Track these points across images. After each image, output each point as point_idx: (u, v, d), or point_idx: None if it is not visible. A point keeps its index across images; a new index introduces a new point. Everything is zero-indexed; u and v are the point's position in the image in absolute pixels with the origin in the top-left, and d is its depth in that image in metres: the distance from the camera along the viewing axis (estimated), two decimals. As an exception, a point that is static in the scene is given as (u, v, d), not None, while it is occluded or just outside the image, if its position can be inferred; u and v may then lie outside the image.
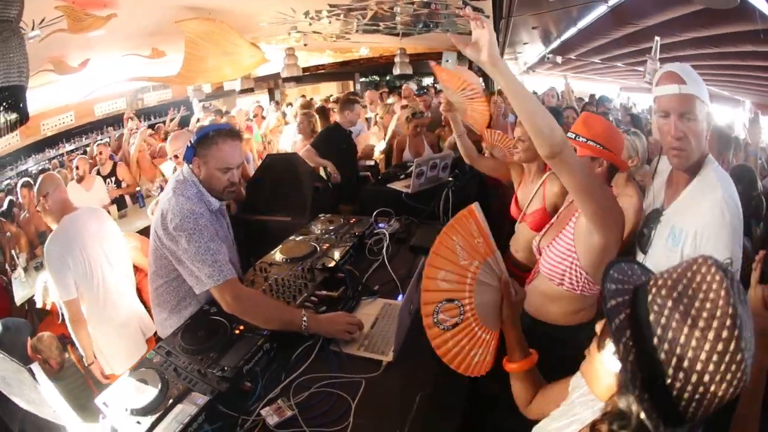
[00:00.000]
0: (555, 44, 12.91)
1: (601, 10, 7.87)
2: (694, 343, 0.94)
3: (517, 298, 1.85)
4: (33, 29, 4.78)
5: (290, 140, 7.42)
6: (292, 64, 9.92)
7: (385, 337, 2.42)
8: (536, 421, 1.59)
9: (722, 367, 0.92)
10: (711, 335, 0.92)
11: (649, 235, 2.41)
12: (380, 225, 3.80)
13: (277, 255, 3.22)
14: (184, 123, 10.86)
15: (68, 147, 9.97)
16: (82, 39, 5.26)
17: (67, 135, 10.30)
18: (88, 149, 9.74)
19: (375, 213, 3.94)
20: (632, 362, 1.00)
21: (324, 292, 2.75)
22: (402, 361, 2.26)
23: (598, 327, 1.20)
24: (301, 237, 3.55)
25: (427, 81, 18.24)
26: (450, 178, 5.11)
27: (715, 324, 0.92)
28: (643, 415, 0.99)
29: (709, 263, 1.00)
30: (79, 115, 10.74)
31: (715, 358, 0.92)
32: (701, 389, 0.94)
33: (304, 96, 14.13)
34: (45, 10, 4.42)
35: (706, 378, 0.93)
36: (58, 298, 3.55)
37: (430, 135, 6.75)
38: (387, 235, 3.52)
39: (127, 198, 6.89)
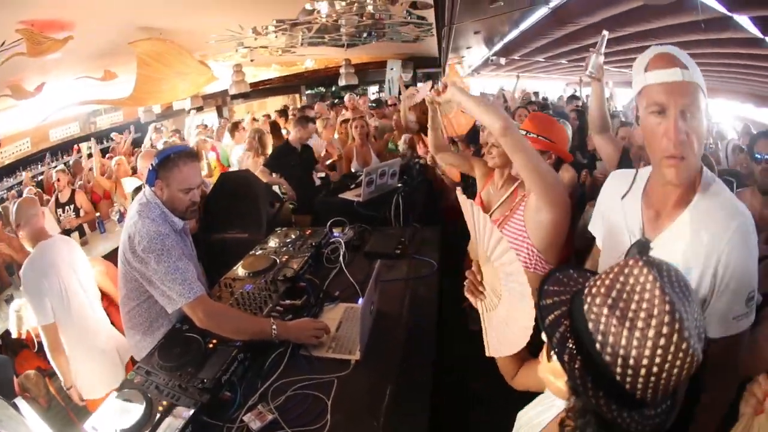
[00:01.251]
0: (498, 46, 13.24)
1: (542, 11, 8.17)
2: (635, 342, 0.98)
3: None
4: None
5: (240, 157, 7.48)
6: (240, 81, 9.97)
7: (351, 338, 2.58)
8: (515, 412, 1.62)
9: (669, 357, 0.96)
10: (651, 333, 0.96)
11: None
12: (335, 234, 3.94)
13: (240, 270, 3.32)
14: (135, 144, 10.78)
15: (24, 175, 9.86)
16: (38, 62, 5.26)
17: (24, 162, 10.18)
18: (44, 176, 9.63)
19: (329, 223, 4.06)
20: (579, 369, 1.06)
21: (288, 302, 2.87)
22: (369, 358, 2.42)
23: (545, 336, 1.19)
24: (260, 251, 3.67)
25: (372, 89, 18.39)
26: (399, 185, 5.27)
27: (653, 323, 0.96)
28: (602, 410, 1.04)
29: (641, 264, 1.04)
30: (35, 141, 10.60)
31: (659, 352, 0.96)
32: (653, 378, 0.98)
33: (249, 113, 14.18)
34: (4, 33, 4.46)
35: (655, 369, 0.97)
36: (36, 323, 3.56)
37: (377, 144, 6.94)
38: (342, 244, 3.67)
39: (85, 225, 6.83)
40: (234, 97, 11.96)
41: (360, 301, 2.94)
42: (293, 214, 5.86)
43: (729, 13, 6.28)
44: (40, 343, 3.86)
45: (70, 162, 9.72)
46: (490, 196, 3.38)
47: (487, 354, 1.80)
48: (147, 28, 5.94)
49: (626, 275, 1.04)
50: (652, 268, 1.01)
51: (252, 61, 10.26)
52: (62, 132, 11.35)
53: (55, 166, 9.63)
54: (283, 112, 12.19)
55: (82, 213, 7.09)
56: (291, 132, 6.48)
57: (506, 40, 11.86)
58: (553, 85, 24.62)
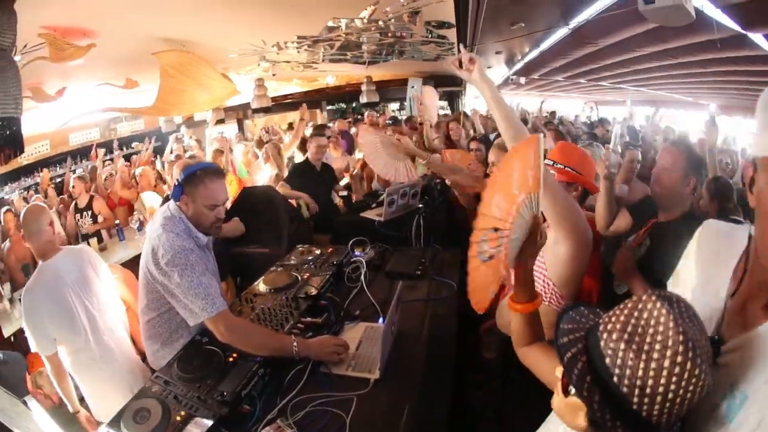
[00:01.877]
0: (518, 66, 13.20)
1: (562, 32, 8.14)
2: (652, 373, 1.02)
3: (542, 241, 1.82)
4: (15, 54, 4.89)
5: (266, 175, 7.51)
6: (262, 95, 9.95)
7: (370, 356, 2.60)
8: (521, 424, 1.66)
9: (683, 383, 1.00)
10: (667, 363, 1.01)
11: None
12: (357, 253, 3.97)
13: (261, 286, 3.34)
14: (156, 154, 10.92)
15: (43, 173, 9.95)
16: (59, 67, 5.34)
17: (43, 164, 10.29)
18: (64, 179, 9.71)
19: (351, 242, 4.10)
20: (598, 402, 1.10)
21: (309, 319, 2.91)
22: (388, 377, 2.44)
23: (559, 372, 1.28)
24: (281, 268, 3.69)
25: (393, 106, 18.45)
26: (420, 205, 5.27)
27: (668, 353, 1.01)
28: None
29: (654, 299, 1.09)
30: (54, 144, 10.73)
31: (674, 379, 1.01)
32: (668, 404, 1.03)
33: (290, 125, 14.25)
34: (27, 36, 4.51)
35: (670, 395, 1.02)
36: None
37: None
38: (364, 263, 3.71)
39: (104, 232, 6.91)
40: (255, 111, 12.00)
41: (381, 320, 2.99)
42: (314, 233, 5.88)
43: (743, 32, 6.29)
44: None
45: (89, 168, 9.83)
46: None
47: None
48: (169, 40, 6.06)
49: (640, 310, 1.08)
50: (665, 302, 1.06)
51: (274, 75, 10.34)
52: (82, 137, 11.46)
53: (74, 171, 9.80)
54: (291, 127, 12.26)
55: (100, 219, 7.19)
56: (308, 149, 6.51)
57: (526, 59, 11.87)
58: (572, 104, 24.63)
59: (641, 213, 3.26)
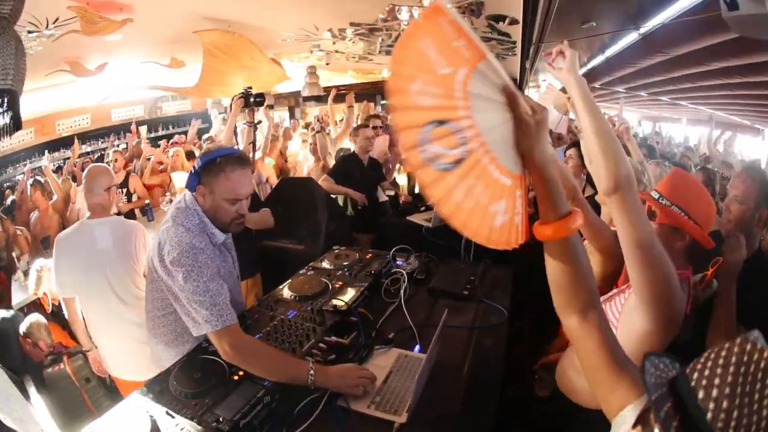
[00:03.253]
0: (581, 72, 12.82)
1: (632, 37, 7.79)
2: (755, 419, 0.94)
3: (536, 117, 1.31)
4: (47, 27, 4.76)
5: (309, 165, 7.41)
6: (314, 83, 9.94)
7: (399, 393, 2.26)
8: None
9: None
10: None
11: None
12: (398, 262, 3.68)
13: (285, 291, 3.11)
14: (201, 135, 10.97)
15: (84, 149, 10.06)
16: (99, 42, 5.31)
17: (82, 137, 10.44)
18: (105, 153, 9.84)
19: (393, 250, 3.80)
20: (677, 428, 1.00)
21: (334, 339, 2.62)
22: (416, 422, 2.10)
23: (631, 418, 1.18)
24: (312, 272, 3.45)
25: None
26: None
27: None
28: None
29: (758, 344, 0.99)
30: (95, 119, 11.03)
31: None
32: None
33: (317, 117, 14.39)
34: (58, 9, 4.45)
35: None
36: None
37: None
38: (405, 275, 3.39)
39: (137, 211, 6.94)
40: (306, 99, 11.93)
41: (417, 348, 2.66)
42: (354, 232, 5.68)
43: None
44: (53, 307, 4.23)
45: (133, 144, 9.98)
46: None
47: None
48: (214, 19, 5.92)
49: (749, 356, 0.99)
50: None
51: (327, 65, 10.20)
52: (125, 113, 11.79)
53: (117, 146, 9.88)
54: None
55: (134, 198, 7.18)
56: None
57: (591, 65, 11.41)
58: (628, 118, 24.46)
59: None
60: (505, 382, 2.64)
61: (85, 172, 3.75)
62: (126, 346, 3.68)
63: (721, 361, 1.00)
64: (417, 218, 5.16)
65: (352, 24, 7.32)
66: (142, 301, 3.41)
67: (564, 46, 1.95)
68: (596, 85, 14.34)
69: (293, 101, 15.53)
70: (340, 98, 16.37)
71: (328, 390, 2.24)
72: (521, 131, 1.30)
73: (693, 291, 2.30)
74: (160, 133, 12.25)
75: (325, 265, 3.56)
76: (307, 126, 8.95)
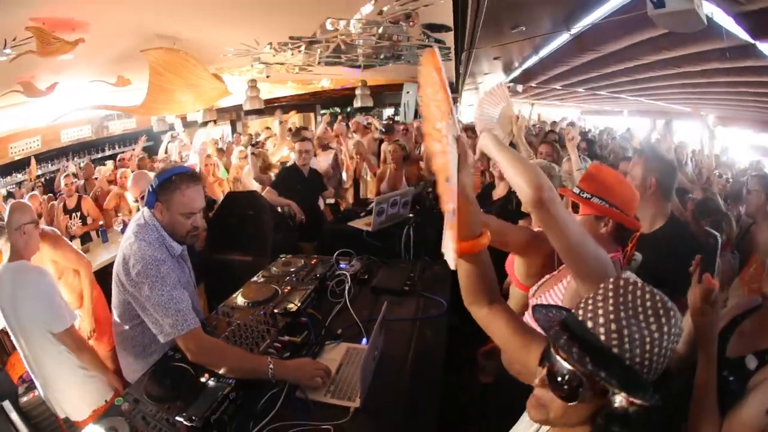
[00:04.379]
0: (516, 73, 13.29)
1: (563, 38, 8.12)
2: (632, 322, 1.18)
3: (470, 161, 1.67)
4: (5, 47, 4.82)
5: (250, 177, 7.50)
6: (254, 97, 10.02)
7: (351, 382, 2.48)
8: None
9: (665, 329, 1.17)
10: (651, 316, 1.18)
11: None
12: (342, 266, 3.89)
13: (239, 299, 3.26)
14: (148, 152, 10.90)
15: (32, 163, 9.96)
16: (51, 62, 5.30)
17: (35, 159, 10.28)
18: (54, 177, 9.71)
19: (336, 253, 4.01)
20: (577, 351, 1.20)
21: (287, 338, 2.80)
22: (369, 406, 2.32)
23: (539, 376, 1.33)
24: (262, 279, 3.61)
25: (388, 112, 18.55)
26: (411, 215, 5.19)
27: (648, 305, 1.19)
28: (631, 400, 1.17)
29: (623, 281, 1.26)
30: (46, 140, 10.77)
31: (654, 326, 1.17)
32: (648, 353, 1.17)
33: (268, 128, 14.29)
34: (15, 29, 4.48)
35: (656, 350, 1.17)
36: None
37: (410, 169, 6.95)
38: (348, 277, 3.61)
39: (93, 232, 6.85)
40: (248, 113, 11.97)
41: (364, 341, 2.88)
42: (298, 241, 5.81)
43: (753, 41, 6.26)
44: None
45: (81, 164, 9.82)
46: None
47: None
48: (161, 36, 6.00)
49: (613, 288, 1.25)
50: (636, 281, 1.26)
51: (268, 77, 10.30)
52: (74, 134, 11.51)
53: (67, 168, 9.82)
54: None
55: (89, 221, 7.11)
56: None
57: (525, 66, 11.92)
58: (568, 113, 24.92)
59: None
60: (450, 369, 2.89)
61: (6, 213, 3.52)
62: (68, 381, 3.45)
63: (600, 297, 1.25)
64: (358, 223, 5.33)
65: (291, 38, 7.47)
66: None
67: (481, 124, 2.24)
68: (533, 84, 14.79)
69: (235, 115, 15.52)
70: (285, 109, 16.47)
71: (287, 383, 2.42)
72: (462, 169, 1.58)
73: (629, 265, 2.74)
74: (107, 153, 12.15)
75: (274, 272, 3.72)
76: (250, 141, 9.04)
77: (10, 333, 3.42)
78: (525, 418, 1.61)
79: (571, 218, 1.94)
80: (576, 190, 2.41)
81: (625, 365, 1.18)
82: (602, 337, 1.20)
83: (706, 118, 16.26)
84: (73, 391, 3.47)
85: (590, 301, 1.27)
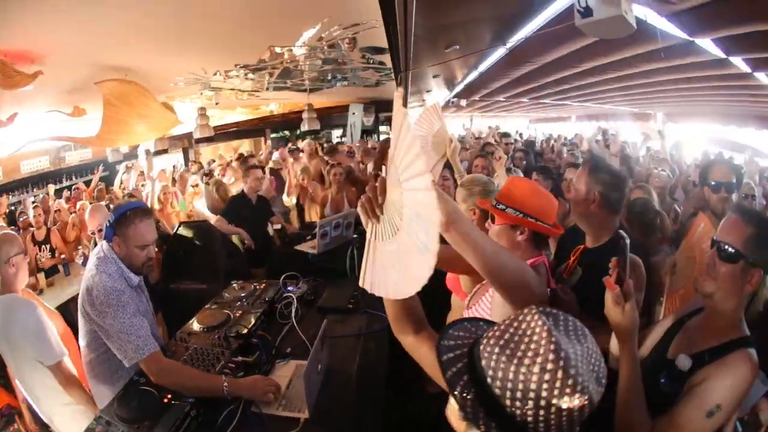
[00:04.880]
0: (458, 88, 13.30)
1: (500, 53, 8.19)
2: (522, 377, 1.14)
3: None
4: None
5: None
6: (204, 125, 10.06)
7: (301, 395, 2.66)
8: None
9: (555, 392, 1.11)
10: (536, 369, 1.13)
11: None
12: (289, 288, 4.09)
13: (195, 324, 3.45)
14: (105, 183, 10.80)
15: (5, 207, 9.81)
16: (9, 92, 5.28)
17: None
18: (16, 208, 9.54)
19: (283, 277, 4.19)
20: (471, 400, 1.23)
21: (240, 359, 3.02)
22: (318, 416, 2.55)
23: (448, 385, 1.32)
24: (215, 305, 3.79)
25: (336, 133, 18.64)
26: (354, 236, 5.33)
27: (539, 360, 1.13)
28: None
29: (533, 311, 1.23)
30: (6, 171, 10.57)
31: (545, 386, 1.12)
32: (542, 412, 1.13)
33: (222, 156, 14.24)
34: None
35: (543, 402, 1.12)
36: None
37: (352, 191, 7.05)
38: (295, 299, 3.81)
39: (60, 266, 6.78)
40: (199, 140, 12.00)
41: (310, 359, 3.13)
42: (250, 267, 5.95)
43: (690, 38, 6.35)
44: None
45: (40, 197, 9.76)
46: None
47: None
48: (114, 67, 6.10)
49: (520, 321, 1.24)
50: (543, 315, 1.22)
51: (217, 104, 10.39)
52: (33, 165, 11.33)
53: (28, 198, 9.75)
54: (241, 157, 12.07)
55: (56, 253, 7.10)
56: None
57: (466, 81, 11.95)
58: (516, 123, 25.32)
59: (568, 241, 3.16)
60: (399, 379, 3.14)
61: None
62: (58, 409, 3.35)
63: (497, 332, 1.25)
64: (304, 247, 5.51)
65: (237, 65, 7.64)
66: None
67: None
68: (476, 98, 14.85)
69: (187, 143, 15.41)
70: (230, 136, 16.47)
71: (243, 400, 2.65)
72: None
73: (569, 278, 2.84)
74: (65, 183, 12.05)
75: (226, 298, 3.91)
76: (203, 171, 9.09)
77: (5, 360, 3.36)
78: None
79: (480, 235, 1.88)
80: (493, 202, 2.53)
81: (515, 423, 1.18)
82: (483, 362, 1.23)
83: (656, 117, 16.80)
84: (64, 418, 3.41)
85: (490, 332, 1.28)
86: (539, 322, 1.20)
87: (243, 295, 3.96)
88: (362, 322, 3.62)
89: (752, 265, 1.92)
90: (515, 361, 1.17)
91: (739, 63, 7.76)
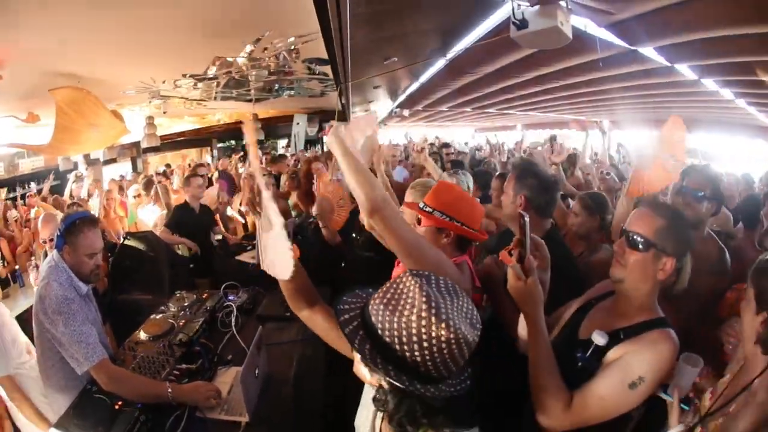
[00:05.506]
0: (401, 99, 13.39)
1: (440, 63, 8.35)
2: (404, 325, 1.33)
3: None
4: None
5: (155, 216, 7.47)
6: (152, 134, 10.00)
7: (241, 400, 2.76)
8: None
9: (434, 335, 1.30)
10: (414, 317, 1.32)
11: None
12: (230, 297, 4.21)
13: (141, 334, 3.56)
14: (55, 191, 10.45)
15: None
16: None
17: None
18: None
19: (223, 286, 4.32)
20: (369, 349, 1.38)
21: (184, 366, 3.15)
22: (259, 420, 2.72)
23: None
24: (160, 315, 3.91)
25: (282, 143, 18.69)
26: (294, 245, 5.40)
27: (414, 309, 1.33)
28: (396, 384, 1.35)
29: (408, 274, 1.43)
30: None
31: (423, 330, 1.31)
32: (427, 353, 1.31)
33: (168, 165, 14.09)
34: None
35: (425, 343, 1.31)
36: None
37: (280, 202, 7.05)
38: (235, 308, 3.95)
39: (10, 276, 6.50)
40: (146, 150, 12.02)
41: (246, 366, 3.28)
42: (194, 277, 6.00)
43: (631, 47, 6.39)
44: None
45: None
46: None
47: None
48: (67, 74, 6.15)
49: (398, 282, 1.43)
50: (416, 276, 1.41)
51: (165, 113, 10.33)
52: None
53: None
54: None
55: (5, 263, 6.78)
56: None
57: (408, 92, 12.05)
58: (462, 132, 25.53)
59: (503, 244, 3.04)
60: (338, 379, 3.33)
61: None
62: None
63: (381, 293, 1.45)
64: (245, 257, 5.66)
65: (184, 75, 7.72)
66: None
67: (332, 123, 2.52)
68: (419, 108, 14.91)
69: (135, 152, 15.17)
70: (177, 145, 16.28)
71: (188, 405, 2.79)
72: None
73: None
74: (18, 192, 11.81)
75: (171, 308, 4.03)
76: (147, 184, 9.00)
77: None
78: (366, 405, 1.88)
79: (404, 225, 2.14)
80: (421, 205, 2.60)
81: (408, 364, 1.35)
82: (372, 318, 1.41)
83: (601, 124, 17.11)
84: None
85: (376, 301, 1.44)
86: (413, 281, 1.39)
87: (186, 304, 4.07)
88: (300, 328, 3.71)
89: (664, 253, 2.02)
90: (397, 314, 1.36)
91: (684, 70, 7.76)
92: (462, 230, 2.53)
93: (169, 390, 2.80)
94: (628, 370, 1.89)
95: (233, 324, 3.83)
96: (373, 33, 5.98)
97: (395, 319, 1.36)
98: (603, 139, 9.31)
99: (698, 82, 8.55)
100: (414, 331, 1.32)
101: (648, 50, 6.75)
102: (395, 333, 1.35)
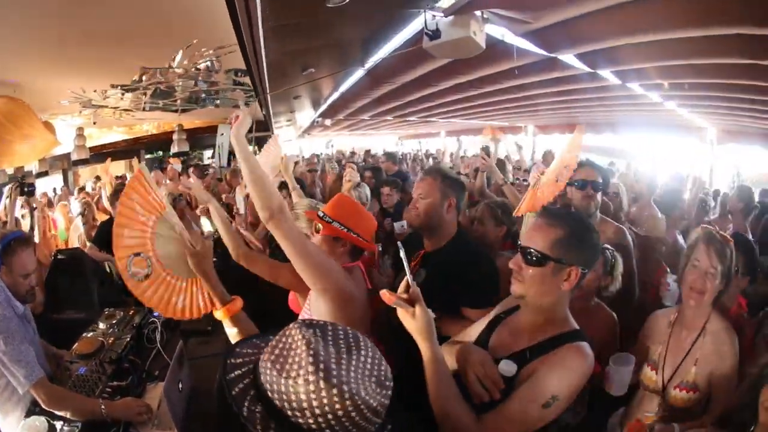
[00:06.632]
0: (322, 108, 13.38)
1: (359, 74, 8.42)
2: (292, 389, 1.14)
3: (198, 249, 2.26)
4: None
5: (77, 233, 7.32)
6: (81, 146, 9.93)
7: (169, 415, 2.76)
8: None
9: (326, 400, 1.11)
10: (301, 381, 1.13)
11: None
12: (155, 314, 4.20)
13: (74, 352, 3.58)
14: None
15: None
16: None
17: None
18: None
19: None
20: (260, 413, 1.21)
21: (115, 383, 3.19)
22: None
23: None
24: (91, 333, 3.89)
25: (207, 154, 18.56)
26: (214, 259, 5.41)
27: (302, 372, 1.14)
28: None
29: (296, 326, 1.25)
30: None
31: (313, 396, 1.12)
32: (322, 419, 1.12)
33: (98, 177, 13.86)
34: None
35: (318, 411, 1.12)
36: None
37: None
38: (159, 324, 3.95)
39: None
40: (75, 162, 11.80)
41: (180, 379, 3.20)
42: (123, 293, 5.70)
43: (550, 54, 6.30)
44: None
45: None
46: None
47: None
48: (3, 82, 6.10)
49: (286, 336, 1.26)
50: (305, 328, 1.23)
51: (95, 123, 10.24)
52: None
53: None
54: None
55: None
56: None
57: (330, 101, 12.01)
58: (386, 140, 25.73)
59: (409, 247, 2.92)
60: None
61: None
62: None
63: (270, 347, 1.27)
64: None
65: (112, 86, 7.80)
66: None
67: (240, 110, 2.43)
68: (341, 117, 14.93)
69: (66, 164, 14.42)
70: (105, 157, 15.88)
71: (122, 421, 2.85)
72: (189, 255, 2.29)
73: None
74: None
75: (101, 326, 4.01)
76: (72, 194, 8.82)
77: None
78: None
79: (299, 233, 2.31)
80: (320, 214, 2.79)
81: (274, 405, 1.20)
82: (261, 377, 1.24)
83: (526, 129, 17.55)
84: None
85: (265, 357, 1.27)
86: (299, 336, 1.21)
87: (114, 321, 4.06)
88: (224, 342, 3.45)
89: (565, 265, 1.94)
90: (284, 375, 1.17)
91: (608, 75, 7.79)
92: (357, 241, 2.76)
93: (103, 407, 2.86)
94: (541, 390, 1.84)
95: (158, 340, 3.85)
96: (289, 45, 5.97)
97: (282, 382, 1.18)
98: (495, 147, 9.52)
99: (623, 86, 8.47)
100: (303, 397, 1.14)
101: (568, 57, 6.69)
102: (284, 398, 1.18)
